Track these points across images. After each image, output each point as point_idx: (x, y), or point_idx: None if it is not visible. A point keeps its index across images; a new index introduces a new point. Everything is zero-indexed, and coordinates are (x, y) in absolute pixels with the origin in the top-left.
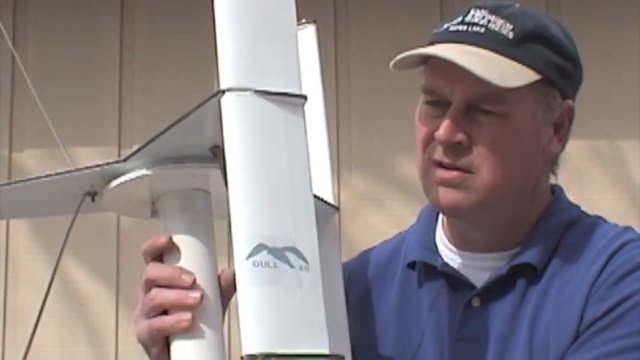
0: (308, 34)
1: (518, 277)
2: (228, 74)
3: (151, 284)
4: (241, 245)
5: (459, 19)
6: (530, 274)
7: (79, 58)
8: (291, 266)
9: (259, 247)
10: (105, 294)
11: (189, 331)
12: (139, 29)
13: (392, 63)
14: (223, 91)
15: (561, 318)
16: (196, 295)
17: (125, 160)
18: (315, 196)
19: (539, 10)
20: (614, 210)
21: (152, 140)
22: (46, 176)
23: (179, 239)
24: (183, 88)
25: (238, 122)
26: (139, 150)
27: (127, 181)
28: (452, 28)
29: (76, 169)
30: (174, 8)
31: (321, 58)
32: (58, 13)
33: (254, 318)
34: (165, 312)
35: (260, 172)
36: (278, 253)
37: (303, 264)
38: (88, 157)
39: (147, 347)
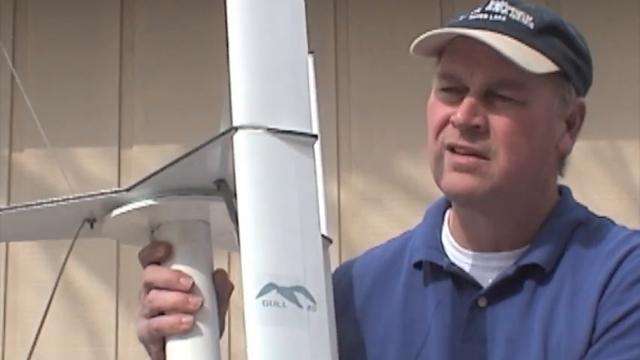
0: None
1: (526, 277)
2: (241, 111)
3: (150, 287)
4: (251, 284)
5: (479, 9)
6: (538, 274)
7: (79, 55)
8: (300, 306)
9: (269, 287)
10: (105, 294)
11: (188, 333)
12: (139, 26)
13: (413, 45)
14: (236, 129)
15: (573, 324)
16: (196, 300)
17: (128, 189)
18: None
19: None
20: (614, 210)
21: (157, 172)
22: (47, 202)
23: (179, 268)
24: (183, 85)
25: (250, 160)
26: (143, 180)
27: (130, 211)
28: (472, 17)
29: (78, 197)
30: (174, 5)
31: (318, 88)
32: (58, 10)
33: (262, 357)
34: (163, 312)
35: (271, 211)
36: (287, 293)
37: (311, 304)
38: (88, 154)
39: (147, 346)
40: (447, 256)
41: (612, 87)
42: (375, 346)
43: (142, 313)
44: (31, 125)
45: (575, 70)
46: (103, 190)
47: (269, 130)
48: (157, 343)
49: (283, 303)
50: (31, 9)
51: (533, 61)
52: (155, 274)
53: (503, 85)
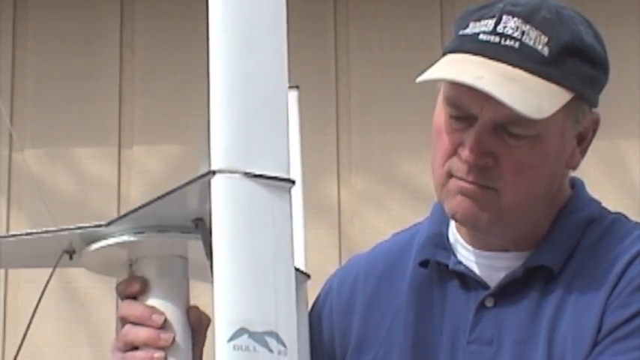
0: (290, 100)
1: (535, 278)
2: (219, 155)
3: (124, 321)
4: (223, 328)
5: (490, 25)
6: (547, 276)
7: (79, 56)
8: (271, 351)
9: (240, 331)
10: (105, 294)
11: None
12: (139, 27)
13: (419, 80)
14: (214, 172)
15: (579, 325)
16: (167, 336)
17: (107, 224)
18: None
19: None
20: (614, 210)
21: (136, 210)
22: (28, 234)
23: (155, 303)
24: (184, 87)
25: (227, 204)
26: (122, 217)
27: (108, 245)
28: (482, 37)
29: (58, 229)
30: (174, 6)
31: (301, 123)
32: (58, 11)
33: None
34: (137, 347)
35: (245, 256)
36: (258, 338)
37: (282, 349)
38: (88, 154)
39: None
40: (453, 254)
41: (612, 87)
42: (380, 345)
43: (117, 346)
44: (31, 126)
45: (591, 86)
46: (81, 224)
47: (246, 174)
48: None
49: (254, 348)
50: (32, 9)
51: (546, 100)
52: (129, 309)
53: (514, 124)
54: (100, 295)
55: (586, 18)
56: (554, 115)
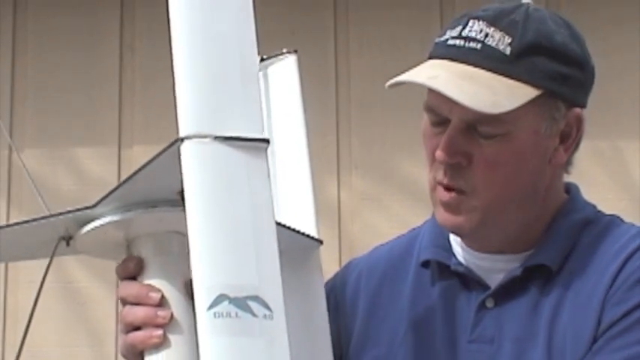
0: (289, 65)
1: (533, 278)
2: (186, 121)
3: (124, 302)
4: (202, 296)
5: (458, 30)
6: (546, 275)
7: (79, 56)
8: (254, 315)
9: (220, 298)
10: (105, 294)
11: (160, 346)
12: (139, 27)
13: (387, 85)
14: (182, 139)
15: (578, 322)
16: (165, 314)
17: (94, 205)
18: (297, 231)
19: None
20: (614, 210)
21: (119, 186)
22: (21, 223)
23: (152, 281)
24: None
25: (198, 170)
26: (107, 196)
27: (97, 227)
28: (450, 42)
29: (49, 215)
30: None
31: (302, 88)
32: (58, 11)
33: None
34: (139, 327)
35: (221, 220)
36: (240, 303)
37: (267, 312)
38: (88, 154)
39: None
40: (454, 255)
41: (612, 87)
42: (381, 345)
43: (120, 329)
44: (31, 126)
45: (563, 83)
46: (70, 209)
47: (217, 138)
48: (136, 357)
49: (236, 314)
50: (31, 10)
51: (504, 96)
52: (126, 289)
53: (481, 123)
54: (100, 295)
55: (565, 20)
56: (523, 112)
